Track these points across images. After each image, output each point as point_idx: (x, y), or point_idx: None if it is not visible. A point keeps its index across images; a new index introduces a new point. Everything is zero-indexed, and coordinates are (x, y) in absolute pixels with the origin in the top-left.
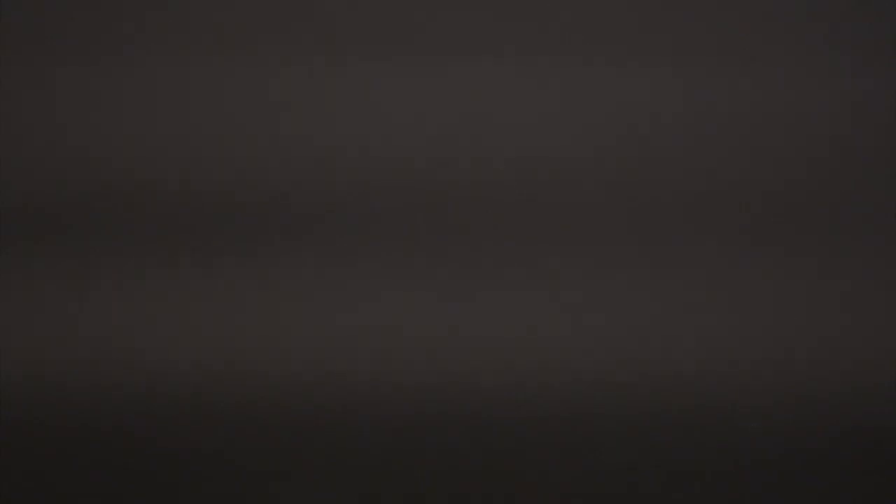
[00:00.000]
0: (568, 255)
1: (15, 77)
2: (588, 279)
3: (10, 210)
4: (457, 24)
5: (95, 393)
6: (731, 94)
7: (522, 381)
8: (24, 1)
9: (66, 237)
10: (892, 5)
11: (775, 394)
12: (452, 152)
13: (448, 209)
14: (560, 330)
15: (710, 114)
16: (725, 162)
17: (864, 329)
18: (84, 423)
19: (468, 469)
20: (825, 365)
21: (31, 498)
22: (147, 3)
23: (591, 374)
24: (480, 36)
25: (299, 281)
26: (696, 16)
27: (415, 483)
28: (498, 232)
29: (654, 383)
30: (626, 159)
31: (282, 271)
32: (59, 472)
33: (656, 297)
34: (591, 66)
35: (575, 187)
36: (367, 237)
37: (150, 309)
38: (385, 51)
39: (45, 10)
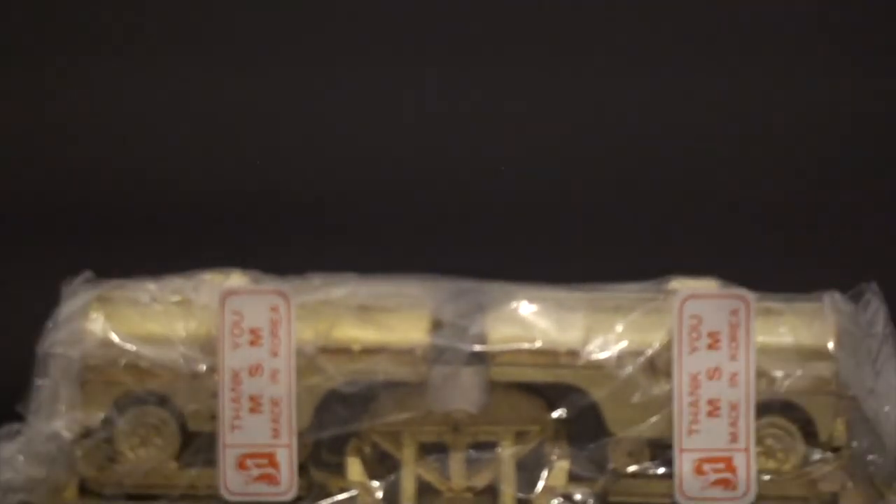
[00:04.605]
0: (567, 254)
1: (13, 77)
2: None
3: (9, 208)
4: (458, 25)
5: None
6: (731, 94)
7: None
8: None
9: (66, 236)
10: (891, 5)
11: None
12: (452, 153)
13: (448, 209)
14: None
15: (709, 114)
16: (724, 163)
17: None
18: None
19: None
20: None
21: None
22: (152, 5)
23: None
24: (481, 38)
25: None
26: (696, 17)
27: None
28: (498, 231)
29: None
30: (624, 159)
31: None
32: None
33: None
34: (590, 67)
35: (573, 188)
36: (366, 237)
37: None
38: (385, 53)
39: (44, 9)
